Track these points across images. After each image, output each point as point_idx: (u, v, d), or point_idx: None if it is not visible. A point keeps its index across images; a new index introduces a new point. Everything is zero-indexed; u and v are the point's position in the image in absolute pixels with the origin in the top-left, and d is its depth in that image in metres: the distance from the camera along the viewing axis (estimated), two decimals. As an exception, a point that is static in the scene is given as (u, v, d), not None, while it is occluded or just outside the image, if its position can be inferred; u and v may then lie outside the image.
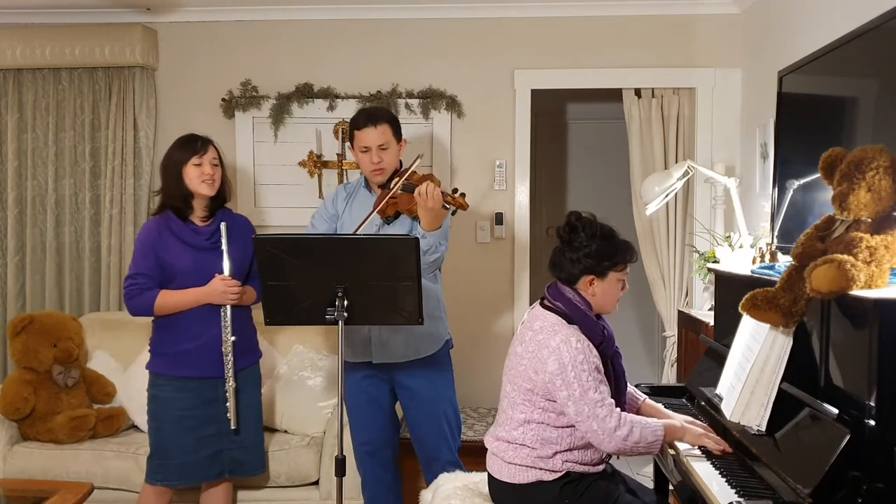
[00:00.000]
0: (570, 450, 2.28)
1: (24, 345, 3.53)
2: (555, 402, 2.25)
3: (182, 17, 4.25)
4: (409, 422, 3.07)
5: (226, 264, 2.89)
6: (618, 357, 2.36)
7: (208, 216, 2.99)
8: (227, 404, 2.92)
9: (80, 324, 3.78)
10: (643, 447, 2.23)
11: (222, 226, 2.90)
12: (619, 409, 2.24)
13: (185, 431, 2.92)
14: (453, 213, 2.76)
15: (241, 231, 3.02)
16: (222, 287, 2.88)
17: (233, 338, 2.89)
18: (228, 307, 2.89)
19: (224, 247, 2.89)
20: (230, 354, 2.89)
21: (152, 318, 3.00)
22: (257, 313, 2.81)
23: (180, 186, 2.92)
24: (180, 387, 2.92)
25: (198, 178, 2.90)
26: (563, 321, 2.27)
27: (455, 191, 2.73)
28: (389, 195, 2.81)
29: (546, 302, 2.35)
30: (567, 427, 2.27)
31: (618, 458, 2.40)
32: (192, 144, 2.94)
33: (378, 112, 2.96)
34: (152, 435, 2.99)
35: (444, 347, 3.03)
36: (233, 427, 2.94)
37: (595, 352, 2.25)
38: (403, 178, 2.80)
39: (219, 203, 3.01)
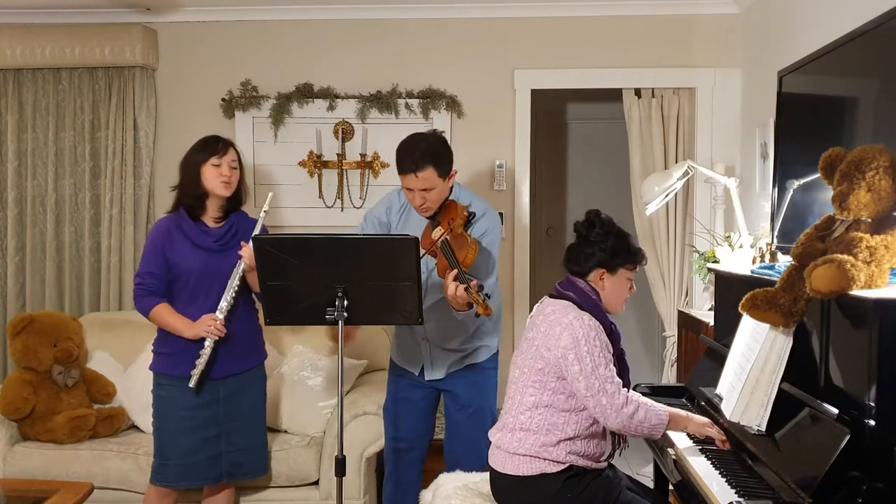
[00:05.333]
0: (573, 438, 2.29)
1: (24, 345, 3.53)
2: (565, 380, 2.28)
3: (182, 17, 4.25)
4: (447, 424, 3.05)
5: (225, 301, 2.84)
6: (623, 354, 2.42)
7: (222, 217, 2.97)
8: (198, 361, 2.81)
9: (80, 324, 3.78)
10: (647, 429, 2.27)
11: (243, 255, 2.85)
12: (626, 389, 2.30)
13: (185, 432, 2.93)
14: (470, 308, 2.62)
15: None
16: (208, 325, 2.83)
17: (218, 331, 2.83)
18: (234, 287, 2.83)
19: (235, 279, 2.84)
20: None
21: None
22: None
23: (196, 185, 2.90)
24: (181, 386, 2.91)
25: (215, 178, 2.89)
26: (575, 305, 2.34)
27: (481, 288, 2.55)
28: (432, 247, 2.73)
29: (556, 293, 2.42)
30: (574, 412, 2.30)
31: (623, 447, 2.42)
32: (213, 145, 2.93)
33: (420, 156, 2.69)
34: (155, 435, 3.00)
35: (493, 357, 3.03)
36: (191, 385, 2.83)
37: (605, 334, 2.32)
38: (442, 236, 2.69)
39: (234, 206, 3.00)
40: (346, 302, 2.50)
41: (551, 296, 2.44)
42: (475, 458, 2.91)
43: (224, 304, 2.85)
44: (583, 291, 2.36)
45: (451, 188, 2.86)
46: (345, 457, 2.53)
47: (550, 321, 2.33)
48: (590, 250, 2.38)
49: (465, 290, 2.51)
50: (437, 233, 2.73)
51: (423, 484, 3.14)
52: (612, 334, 2.36)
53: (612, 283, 2.38)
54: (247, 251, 2.82)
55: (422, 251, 2.66)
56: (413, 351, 2.99)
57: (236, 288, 2.86)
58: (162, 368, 2.97)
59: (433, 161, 2.71)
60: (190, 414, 2.92)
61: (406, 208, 2.94)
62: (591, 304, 2.35)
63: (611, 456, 2.41)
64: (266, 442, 3.17)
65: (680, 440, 2.38)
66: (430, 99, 4.15)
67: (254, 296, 3.02)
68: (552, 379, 2.30)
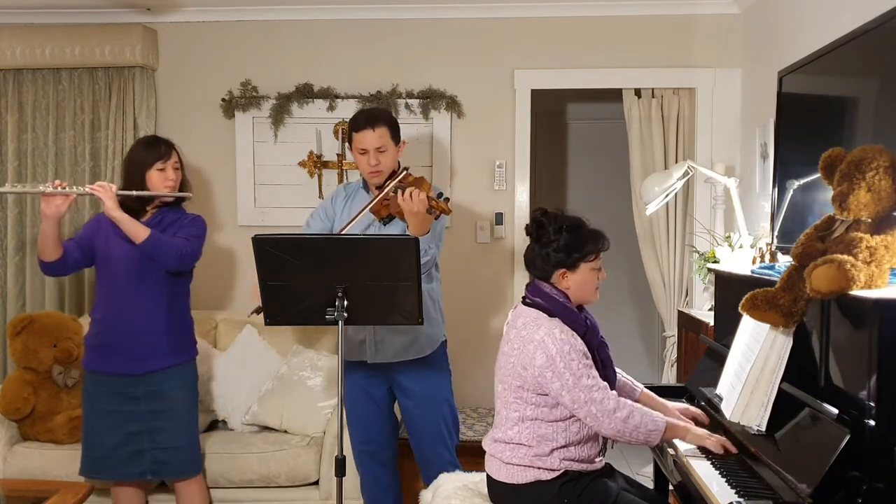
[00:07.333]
0: (566, 446, 2.28)
1: (24, 345, 3.53)
2: (546, 395, 2.26)
3: (182, 17, 4.25)
4: (406, 422, 3.07)
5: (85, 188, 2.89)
6: (604, 347, 2.37)
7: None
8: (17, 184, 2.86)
9: (80, 324, 3.77)
10: (642, 434, 2.23)
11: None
12: (614, 392, 2.26)
13: (106, 427, 2.96)
14: (437, 218, 2.77)
15: (181, 223, 3.01)
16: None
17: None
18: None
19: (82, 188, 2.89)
20: None
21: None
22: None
23: (142, 189, 2.94)
24: (99, 381, 2.97)
25: (161, 183, 2.95)
26: (545, 315, 2.30)
27: (440, 195, 2.74)
28: (382, 196, 2.84)
29: (527, 300, 2.38)
30: (561, 420, 2.27)
31: (612, 446, 2.41)
32: (157, 149, 2.96)
33: (377, 114, 2.96)
34: (83, 426, 3.05)
35: (441, 348, 3.04)
36: None
37: (580, 340, 2.28)
38: (396, 180, 2.82)
39: (175, 203, 3.05)
40: (346, 302, 2.50)
41: (524, 300, 2.39)
42: (443, 450, 2.98)
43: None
44: (549, 296, 2.32)
45: (399, 163, 2.97)
46: (345, 457, 2.53)
47: (523, 337, 2.28)
48: (544, 252, 2.33)
49: (427, 198, 2.65)
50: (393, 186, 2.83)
51: (402, 482, 3.16)
52: (588, 331, 2.32)
53: (576, 280, 2.32)
54: (104, 191, 2.82)
55: (369, 216, 2.85)
56: (357, 336, 2.97)
57: (83, 190, 2.88)
58: (85, 363, 3.03)
59: (388, 122, 2.93)
60: (109, 409, 2.95)
61: (351, 196, 3.04)
62: (559, 308, 2.30)
63: (602, 451, 2.38)
64: (196, 441, 3.13)
65: (680, 441, 2.37)
66: (430, 99, 4.15)
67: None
68: (532, 395, 2.28)
